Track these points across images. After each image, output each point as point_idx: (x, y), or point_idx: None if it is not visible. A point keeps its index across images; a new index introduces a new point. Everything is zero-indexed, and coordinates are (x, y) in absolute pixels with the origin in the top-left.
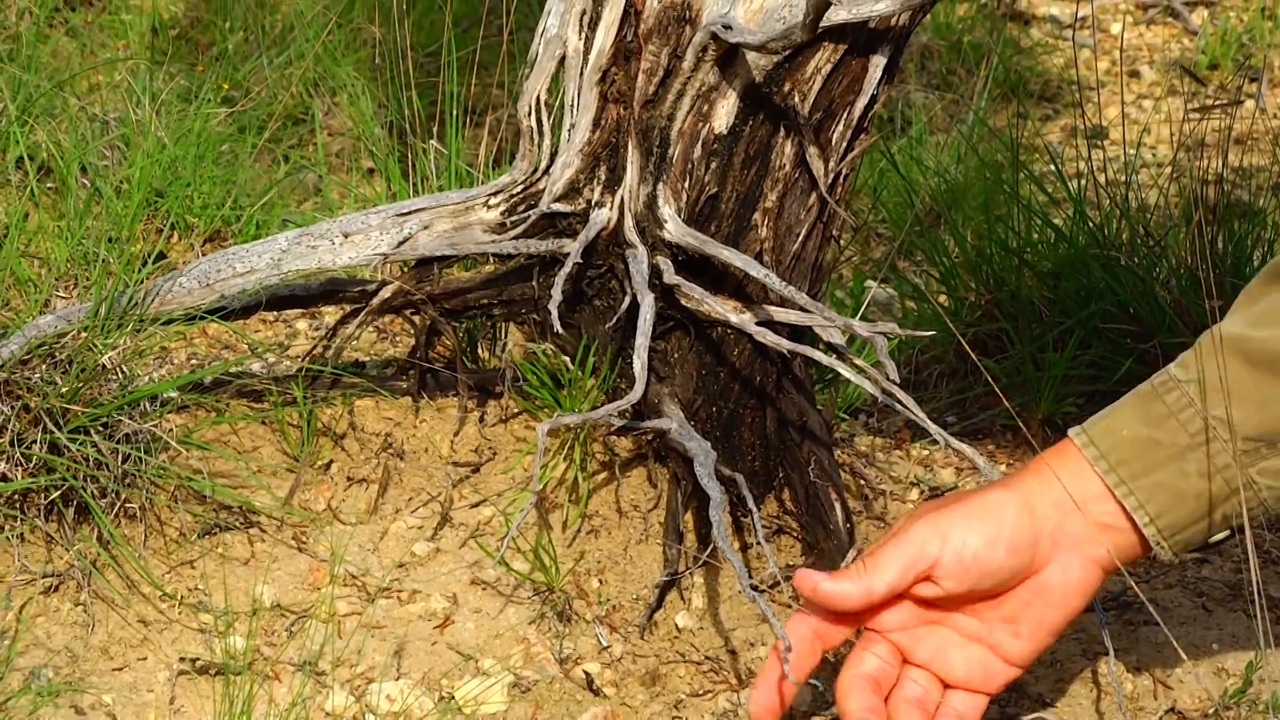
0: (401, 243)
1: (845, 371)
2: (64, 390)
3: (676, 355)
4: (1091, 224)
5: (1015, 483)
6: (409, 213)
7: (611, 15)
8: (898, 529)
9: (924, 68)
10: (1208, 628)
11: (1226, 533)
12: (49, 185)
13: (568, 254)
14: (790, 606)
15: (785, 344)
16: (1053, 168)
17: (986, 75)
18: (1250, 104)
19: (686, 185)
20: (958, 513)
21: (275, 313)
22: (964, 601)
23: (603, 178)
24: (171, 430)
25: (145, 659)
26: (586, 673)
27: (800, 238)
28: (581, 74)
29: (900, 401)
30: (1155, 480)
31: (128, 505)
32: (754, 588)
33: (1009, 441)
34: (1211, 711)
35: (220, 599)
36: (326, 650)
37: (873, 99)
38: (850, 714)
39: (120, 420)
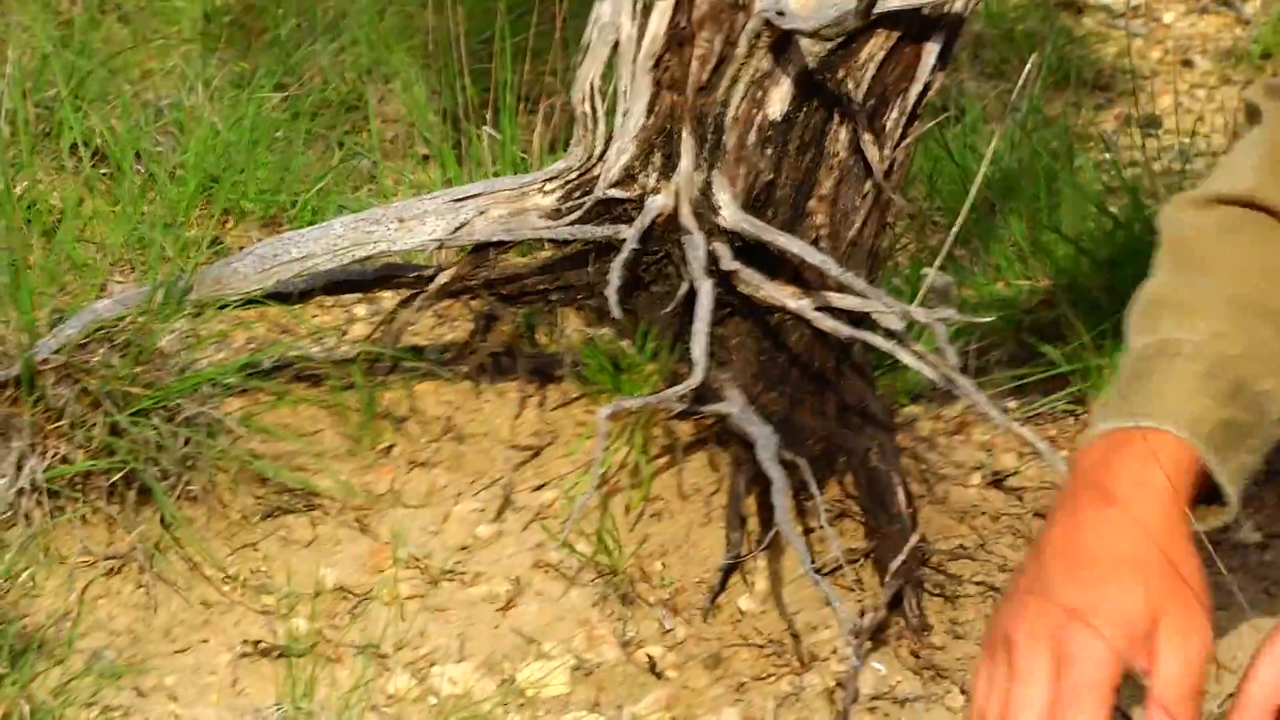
0: (458, 228)
1: (904, 357)
2: (123, 373)
3: (735, 341)
4: (1148, 212)
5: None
6: (464, 199)
7: (665, 1)
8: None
9: (977, 56)
10: (1273, 613)
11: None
12: (104, 171)
13: (624, 240)
14: (852, 590)
15: (844, 329)
16: (1108, 156)
17: (1040, 64)
18: None
19: (742, 171)
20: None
21: (333, 297)
22: None
23: (658, 164)
24: (232, 414)
25: (207, 641)
26: (649, 656)
27: (856, 224)
28: (635, 60)
29: (960, 386)
30: (1241, 462)
31: (189, 488)
32: (817, 571)
33: (1070, 427)
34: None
35: (283, 581)
36: (389, 633)
37: (926, 86)
38: None
39: (180, 403)
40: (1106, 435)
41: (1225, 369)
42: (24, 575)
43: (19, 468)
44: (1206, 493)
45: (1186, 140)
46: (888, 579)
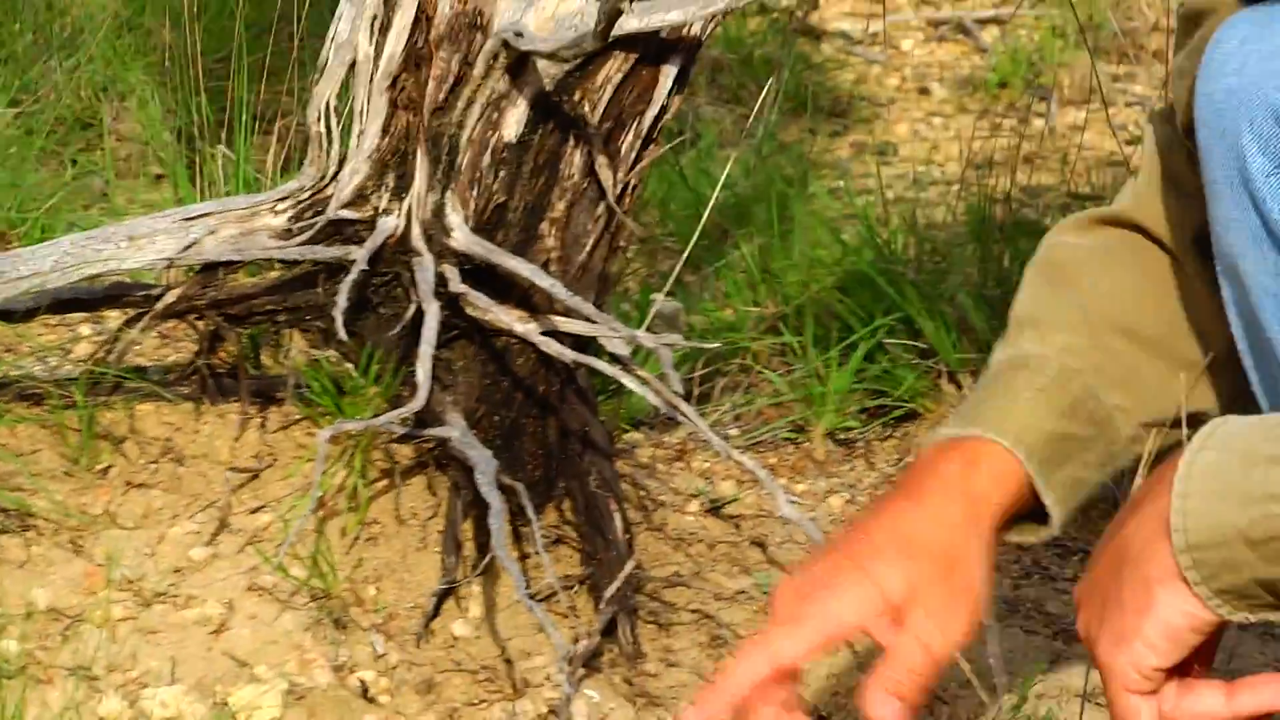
0: (187, 247)
1: (628, 382)
2: None
3: (461, 364)
4: (879, 240)
5: (954, 499)
6: (195, 218)
7: (403, 21)
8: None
9: (714, 81)
10: (982, 641)
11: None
12: None
13: (354, 261)
14: (567, 616)
15: (569, 354)
16: (842, 183)
17: (777, 90)
18: (1039, 123)
19: (475, 193)
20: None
21: (59, 316)
22: None
23: (391, 185)
24: None
25: None
26: (361, 680)
27: (588, 248)
28: (372, 80)
29: (683, 413)
30: (1067, 476)
31: None
32: (531, 597)
33: (790, 454)
34: None
35: (10, 602)
36: (100, 655)
37: (663, 109)
38: None
39: None
40: (940, 442)
41: (1068, 382)
42: None
43: None
44: (1038, 506)
45: (922, 168)
46: (602, 606)
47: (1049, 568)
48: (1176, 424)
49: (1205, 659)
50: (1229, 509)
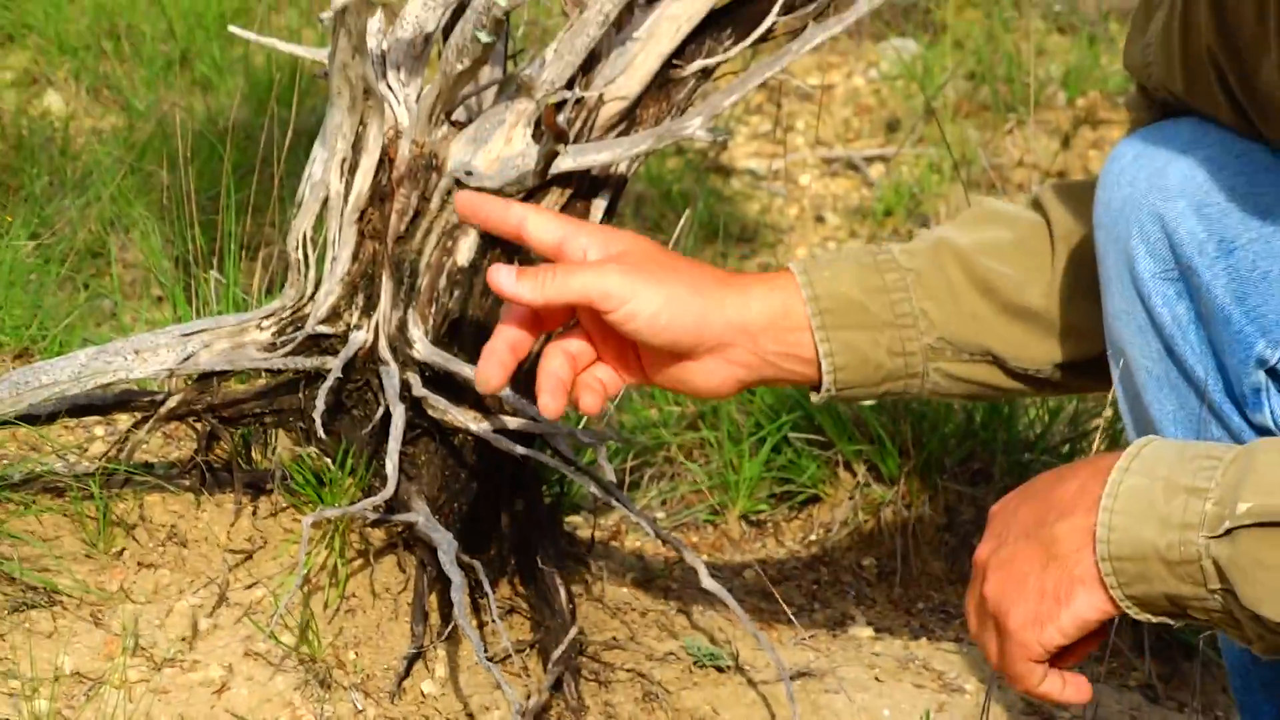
0: (185, 359)
1: (569, 473)
2: None
3: (424, 458)
4: None
5: (731, 283)
6: (192, 333)
7: (368, 162)
8: (617, 249)
9: (639, 212)
10: (880, 696)
11: None
12: None
13: (329, 370)
14: (520, 676)
15: (518, 449)
16: None
17: (692, 219)
18: None
19: (433, 311)
20: (659, 284)
21: (76, 419)
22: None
23: (360, 304)
24: None
25: None
26: None
27: (532, 356)
28: (342, 214)
29: (617, 499)
30: (849, 338)
31: None
32: (489, 659)
33: (710, 534)
34: None
35: (26, 667)
36: (119, 713)
37: None
38: (543, 372)
39: None
40: (775, 271)
41: (887, 272)
42: None
43: None
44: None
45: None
46: (550, 666)
47: (934, 630)
48: (975, 353)
49: (1097, 638)
50: (1149, 530)
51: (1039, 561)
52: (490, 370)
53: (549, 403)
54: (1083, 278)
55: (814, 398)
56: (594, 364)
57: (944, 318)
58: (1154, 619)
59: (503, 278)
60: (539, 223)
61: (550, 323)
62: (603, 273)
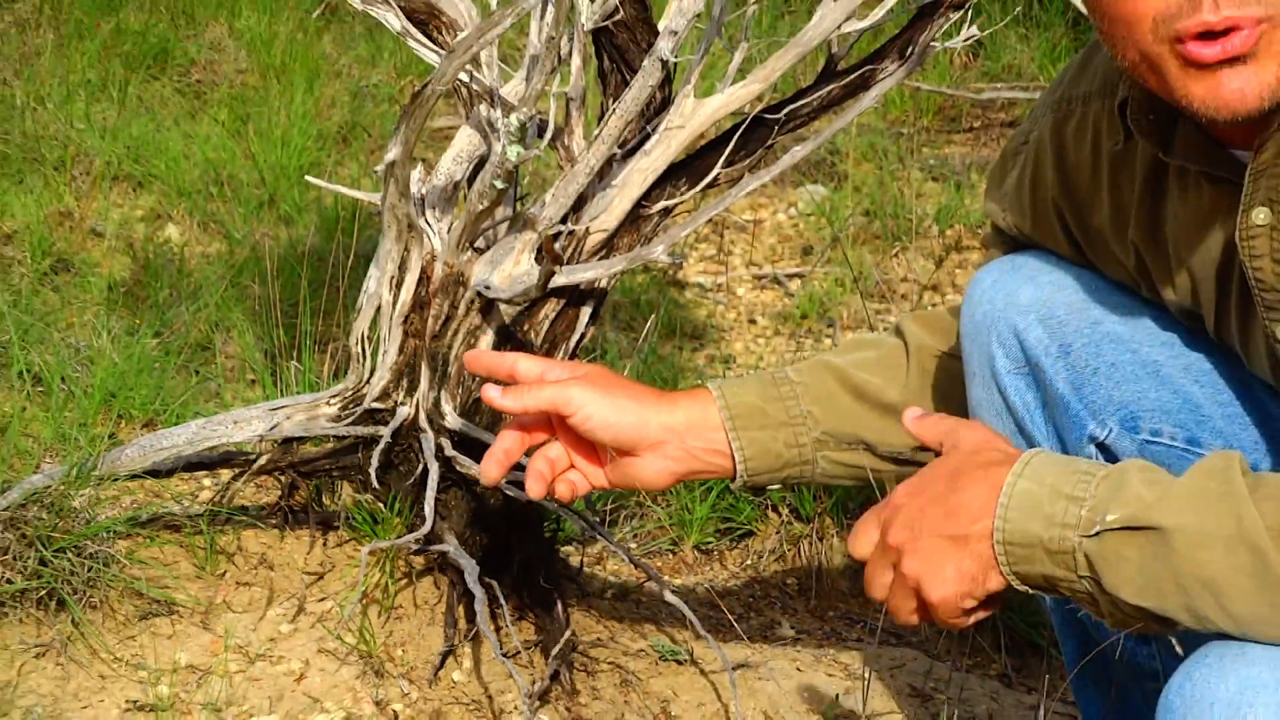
0: (272, 428)
1: (564, 514)
2: (48, 523)
3: (454, 503)
4: None
5: (663, 396)
6: (277, 408)
7: (411, 279)
8: (580, 373)
9: (615, 315)
10: (801, 682)
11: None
12: (39, 389)
13: (382, 436)
14: (527, 667)
15: (524, 496)
16: (699, 381)
17: (656, 321)
18: (828, 341)
19: (460, 391)
20: (609, 396)
21: (189, 473)
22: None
23: (405, 386)
24: (120, 550)
25: (103, 701)
26: (394, 710)
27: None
28: (391, 318)
29: (600, 534)
30: (754, 435)
31: (91, 599)
32: (504, 655)
33: (671, 560)
34: None
35: (152, 661)
36: (223, 696)
37: (582, 335)
38: (530, 469)
39: (86, 543)
40: (695, 388)
41: (781, 385)
42: None
43: None
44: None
45: (752, 370)
46: (550, 660)
47: (841, 632)
48: (850, 442)
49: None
50: (1036, 525)
51: (955, 553)
52: (489, 467)
53: (533, 487)
54: (930, 381)
55: (732, 485)
56: (569, 469)
57: (825, 416)
58: (1031, 591)
59: (492, 393)
60: (525, 363)
61: (534, 433)
62: (565, 387)
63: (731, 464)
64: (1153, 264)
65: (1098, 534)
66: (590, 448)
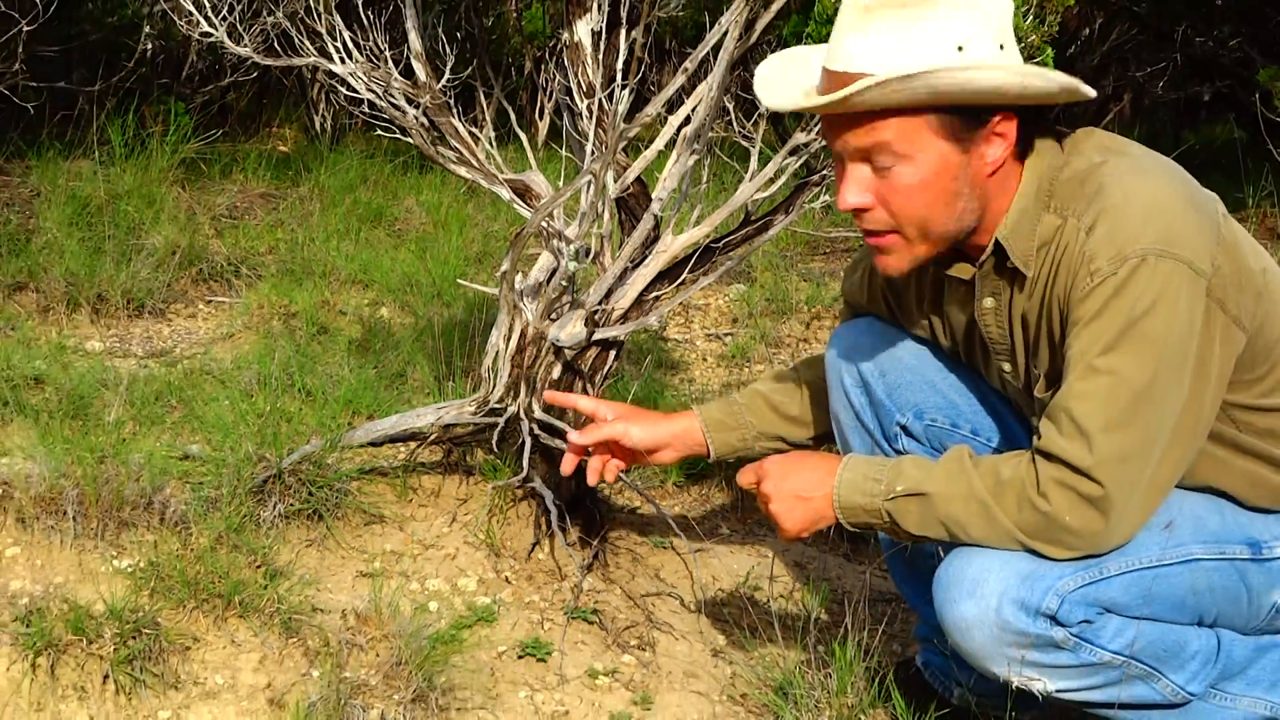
0: (438, 418)
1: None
2: (314, 473)
3: (538, 461)
4: None
5: (667, 416)
6: (441, 408)
7: (515, 336)
8: (619, 412)
9: (629, 355)
10: (736, 561)
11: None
12: (309, 398)
13: (499, 423)
14: (580, 549)
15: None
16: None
17: (650, 359)
18: (748, 371)
19: (542, 400)
20: (639, 422)
21: (392, 444)
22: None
23: (512, 395)
24: (354, 487)
25: (344, 570)
26: (506, 576)
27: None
28: (504, 357)
29: (621, 478)
30: (720, 436)
31: (336, 514)
32: (568, 545)
33: (658, 491)
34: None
35: (371, 549)
36: (411, 569)
37: (610, 367)
38: (589, 464)
39: (335, 483)
40: (684, 411)
41: (734, 405)
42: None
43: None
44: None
45: (708, 389)
46: (592, 547)
47: (757, 530)
48: (773, 438)
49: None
50: (857, 498)
51: (801, 506)
52: (566, 464)
53: (591, 478)
54: (813, 399)
55: (708, 460)
56: (611, 459)
57: (758, 422)
58: (852, 529)
59: (571, 435)
60: (584, 401)
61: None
62: (613, 426)
63: (707, 450)
64: (936, 326)
65: (893, 499)
66: (623, 447)
